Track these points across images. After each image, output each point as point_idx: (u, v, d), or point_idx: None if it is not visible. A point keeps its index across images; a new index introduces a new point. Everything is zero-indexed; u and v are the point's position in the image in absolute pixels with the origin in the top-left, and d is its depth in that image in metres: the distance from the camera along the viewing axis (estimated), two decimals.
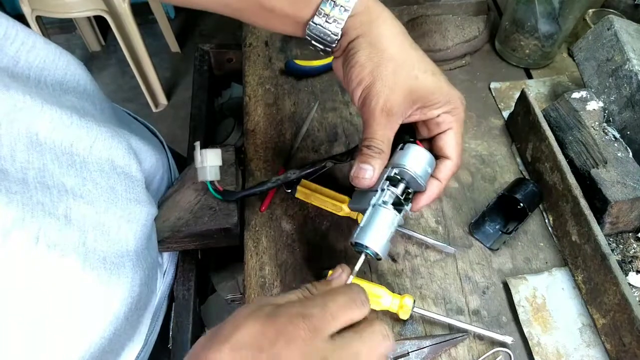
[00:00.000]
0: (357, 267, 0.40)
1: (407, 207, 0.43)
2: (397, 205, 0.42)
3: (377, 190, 0.42)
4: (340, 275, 0.38)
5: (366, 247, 0.40)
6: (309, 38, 0.42)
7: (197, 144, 0.54)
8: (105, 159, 0.42)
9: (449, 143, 0.43)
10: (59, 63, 0.42)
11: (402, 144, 0.43)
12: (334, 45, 0.42)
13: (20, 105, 0.34)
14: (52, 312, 0.35)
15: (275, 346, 0.28)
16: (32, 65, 0.40)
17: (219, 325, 0.31)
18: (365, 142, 0.40)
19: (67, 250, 0.35)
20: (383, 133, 0.40)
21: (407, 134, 0.45)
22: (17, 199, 0.32)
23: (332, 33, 0.41)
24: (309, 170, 0.54)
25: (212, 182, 0.54)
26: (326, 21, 0.40)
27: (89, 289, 0.37)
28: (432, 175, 0.43)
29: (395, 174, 0.42)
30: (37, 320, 0.34)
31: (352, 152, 0.51)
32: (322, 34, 0.41)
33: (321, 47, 0.43)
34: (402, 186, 0.42)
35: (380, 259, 0.41)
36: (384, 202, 0.41)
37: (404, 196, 0.42)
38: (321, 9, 0.40)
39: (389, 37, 0.40)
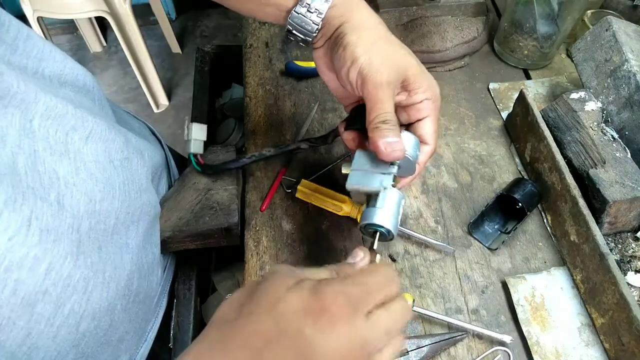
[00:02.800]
0: (375, 246, 0.41)
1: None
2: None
3: (375, 172, 0.43)
4: (363, 258, 0.38)
5: (381, 226, 0.41)
6: (289, 27, 0.44)
7: (187, 117, 0.57)
8: (101, 151, 0.42)
9: (428, 130, 0.44)
10: (57, 55, 0.43)
11: None
12: (314, 34, 0.43)
13: (14, 90, 0.34)
14: (45, 297, 0.34)
15: (319, 322, 0.29)
16: (30, 55, 0.40)
17: (250, 294, 0.31)
18: (380, 117, 0.40)
19: (61, 235, 0.35)
20: (390, 105, 0.41)
21: None
22: (6, 180, 0.32)
23: (313, 22, 0.42)
24: (284, 150, 0.56)
25: (194, 155, 0.57)
26: (308, 10, 0.42)
27: (83, 277, 0.37)
28: None
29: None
30: (30, 304, 0.33)
31: (326, 137, 0.52)
32: (303, 23, 0.43)
33: (301, 36, 0.44)
34: (396, 168, 0.43)
35: (392, 239, 0.43)
36: (392, 185, 0.42)
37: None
38: None
39: (372, 22, 0.43)
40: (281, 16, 0.44)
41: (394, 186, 0.43)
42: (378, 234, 0.42)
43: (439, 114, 0.45)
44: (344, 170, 0.45)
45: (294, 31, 0.44)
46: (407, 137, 0.43)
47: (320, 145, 0.55)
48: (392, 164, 0.42)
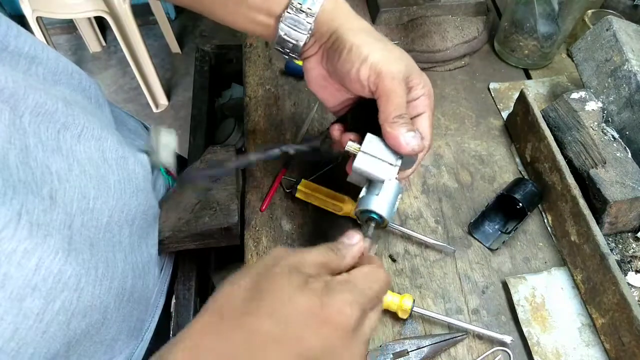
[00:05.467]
0: (369, 233, 0.42)
1: None
2: None
3: (384, 162, 0.43)
4: (358, 243, 0.38)
5: (379, 214, 0.43)
6: (280, 32, 0.44)
7: (152, 125, 0.53)
8: (94, 149, 0.42)
9: (424, 125, 0.45)
10: (50, 53, 0.42)
11: None
12: (306, 35, 0.43)
13: (3, 85, 0.34)
14: (34, 292, 0.34)
15: (321, 332, 0.30)
16: (22, 51, 0.39)
17: (255, 287, 0.31)
18: (397, 111, 0.41)
19: (52, 231, 0.35)
20: (405, 99, 0.42)
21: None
22: None
23: (306, 22, 0.43)
24: (269, 152, 0.54)
25: (165, 169, 0.53)
26: (300, 10, 0.42)
27: (75, 273, 0.37)
28: None
29: None
30: (18, 298, 0.33)
31: (314, 140, 0.52)
32: (296, 24, 0.43)
33: (293, 41, 0.44)
34: (400, 162, 0.44)
35: (385, 227, 0.44)
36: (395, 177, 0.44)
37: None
38: (293, 2, 0.42)
39: (366, 25, 0.43)
40: (271, 26, 0.44)
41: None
42: (374, 221, 0.43)
43: (433, 111, 0.46)
44: (347, 147, 0.45)
45: (284, 36, 0.44)
46: None
47: (308, 150, 0.53)
48: (400, 156, 0.43)
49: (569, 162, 0.58)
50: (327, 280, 0.32)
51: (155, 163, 0.52)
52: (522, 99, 0.63)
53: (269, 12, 0.44)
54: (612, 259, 0.48)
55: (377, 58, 0.41)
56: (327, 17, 0.43)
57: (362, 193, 0.45)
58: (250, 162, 0.54)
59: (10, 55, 0.38)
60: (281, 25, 0.43)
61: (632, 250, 0.54)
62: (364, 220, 0.44)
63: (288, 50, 0.45)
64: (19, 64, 0.39)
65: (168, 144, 0.51)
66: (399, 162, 0.43)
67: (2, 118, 0.33)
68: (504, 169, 0.65)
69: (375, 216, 0.43)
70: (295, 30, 0.43)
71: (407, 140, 0.41)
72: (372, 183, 0.44)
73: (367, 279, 0.34)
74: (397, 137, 0.41)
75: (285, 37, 0.44)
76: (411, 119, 0.45)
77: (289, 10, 0.42)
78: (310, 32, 0.43)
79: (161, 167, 0.52)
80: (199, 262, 0.65)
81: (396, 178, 0.43)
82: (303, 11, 0.42)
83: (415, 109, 0.45)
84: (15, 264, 0.32)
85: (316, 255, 0.35)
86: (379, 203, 0.42)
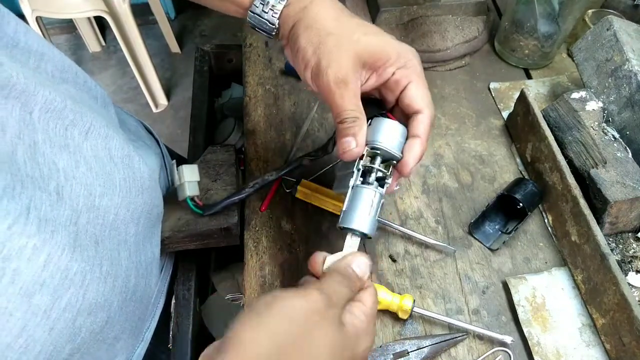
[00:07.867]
0: (346, 247, 0.41)
1: (388, 181, 0.42)
2: (379, 180, 0.42)
3: (350, 172, 0.42)
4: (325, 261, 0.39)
5: (353, 229, 0.40)
6: (251, 25, 0.45)
7: (174, 162, 0.56)
8: (101, 147, 0.42)
9: (414, 95, 0.42)
10: (55, 52, 0.43)
11: (369, 120, 0.42)
12: (273, 33, 0.44)
13: (14, 81, 0.34)
14: (42, 289, 0.34)
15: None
16: (32, 48, 0.40)
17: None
18: (337, 118, 0.41)
19: (58, 227, 0.35)
20: (348, 102, 0.41)
21: (377, 107, 0.45)
22: (5, 168, 0.32)
23: (269, 22, 0.43)
24: (286, 170, 0.55)
25: (192, 199, 0.54)
26: (263, 10, 0.43)
27: (80, 270, 0.37)
28: (410, 134, 0.42)
29: (367, 150, 0.42)
30: (27, 294, 0.33)
31: (325, 146, 0.51)
32: (260, 22, 0.44)
33: (264, 33, 0.45)
34: (378, 160, 0.42)
35: (370, 238, 0.41)
36: (362, 182, 0.41)
37: (382, 168, 0.42)
38: None
39: (323, 16, 0.42)
40: (243, 14, 0.45)
41: (380, 179, 0.42)
42: (352, 235, 0.41)
43: (422, 77, 0.43)
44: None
45: (253, 28, 0.45)
46: (382, 124, 0.41)
47: (321, 157, 0.53)
48: (359, 159, 0.42)
49: (570, 162, 0.58)
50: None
51: (183, 195, 0.54)
52: (522, 98, 0.63)
53: (238, 4, 0.44)
54: (613, 259, 0.48)
55: (314, 65, 0.41)
56: (289, 11, 0.43)
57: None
58: (268, 181, 0.56)
59: (21, 52, 0.39)
60: (248, 20, 0.44)
61: (632, 250, 0.54)
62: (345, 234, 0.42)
63: (264, 36, 0.46)
64: (29, 61, 0.39)
65: (192, 178, 0.54)
66: (359, 166, 0.42)
67: (12, 114, 0.34)
68: (504, 168, 0.65)
69: (356, 232, 0.41)
70: (261, 26, 0.44)
71: (338, 147, 0.41)
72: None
73: (322, 285, 0.35)
74: (337, 145, 0.41)
75: (255, 29, 0.45)
76: (399, 96, 0.43)
77: (252, 8, 0.43)
78: (275, 30, 0.44)
79: (187, 198, 0.54)
80: (199, 262, 0.65)
81: (359, 185, 0.41)
82: (265, 11, 0.43)
83: (397, 84, 0.42)
84: (25, 260, 0.32)
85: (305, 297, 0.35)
86: (343, 216, 0.41)
